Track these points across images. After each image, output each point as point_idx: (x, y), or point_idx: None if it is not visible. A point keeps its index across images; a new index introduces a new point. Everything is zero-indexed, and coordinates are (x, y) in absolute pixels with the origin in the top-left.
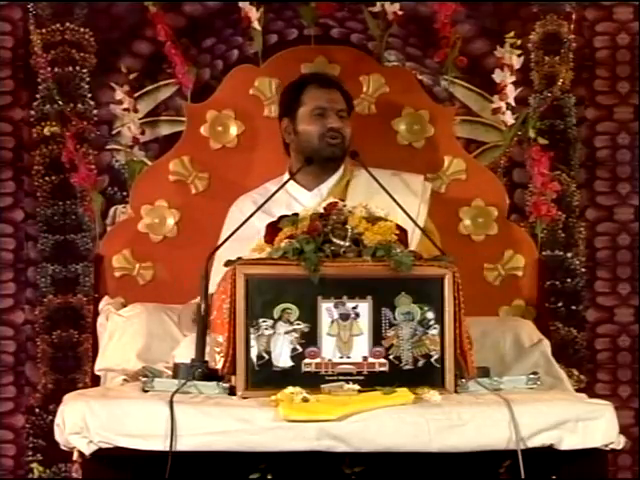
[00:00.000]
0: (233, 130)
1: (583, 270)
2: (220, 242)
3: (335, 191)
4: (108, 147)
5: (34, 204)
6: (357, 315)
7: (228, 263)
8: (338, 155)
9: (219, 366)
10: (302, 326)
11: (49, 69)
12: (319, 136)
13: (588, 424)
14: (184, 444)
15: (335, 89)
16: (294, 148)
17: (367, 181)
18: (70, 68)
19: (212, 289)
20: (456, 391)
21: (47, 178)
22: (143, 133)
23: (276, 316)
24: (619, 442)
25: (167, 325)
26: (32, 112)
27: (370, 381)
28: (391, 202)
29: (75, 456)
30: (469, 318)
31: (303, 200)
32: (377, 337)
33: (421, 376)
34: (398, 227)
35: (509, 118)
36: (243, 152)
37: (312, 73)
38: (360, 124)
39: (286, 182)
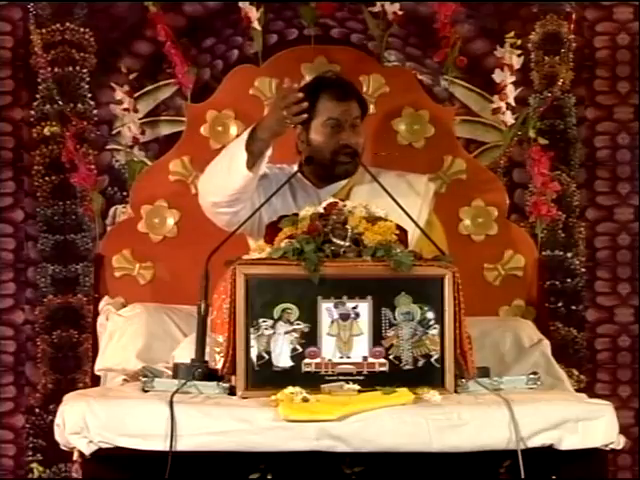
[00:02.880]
0: (233, 130)
1: (583, 270)
2: (220, 243)
3: (341, 193)
4: (108, 147)
5: (34, 204)
6: (357, 315)
7: (228, 263)
8: (352, 172)
9: (219, 366)
10: (302, 326)
11: (49, 69)
12: (332, 152)
13: (588, 424)
14: (184, 444)
15: (351, 99)
16: (305, 156)
17: (371, 182)
18: (70, 68)
19: None
20: (456, 391)
21: (47, 178)
22: (143, 133)
23: (276, 316)
24: (619, 442)
25: (167, 325)
26: (32, 112)
27: (370, 381)
28: (393, 203)
29: (75, 456)
30: (469, 318)
31: (312, 193)
32: (377, 337)
33: (421, 376)
34: (398, 227)
35: (509, 118)
36: None
37: (327, 78)
38: None
39: (291, 177)
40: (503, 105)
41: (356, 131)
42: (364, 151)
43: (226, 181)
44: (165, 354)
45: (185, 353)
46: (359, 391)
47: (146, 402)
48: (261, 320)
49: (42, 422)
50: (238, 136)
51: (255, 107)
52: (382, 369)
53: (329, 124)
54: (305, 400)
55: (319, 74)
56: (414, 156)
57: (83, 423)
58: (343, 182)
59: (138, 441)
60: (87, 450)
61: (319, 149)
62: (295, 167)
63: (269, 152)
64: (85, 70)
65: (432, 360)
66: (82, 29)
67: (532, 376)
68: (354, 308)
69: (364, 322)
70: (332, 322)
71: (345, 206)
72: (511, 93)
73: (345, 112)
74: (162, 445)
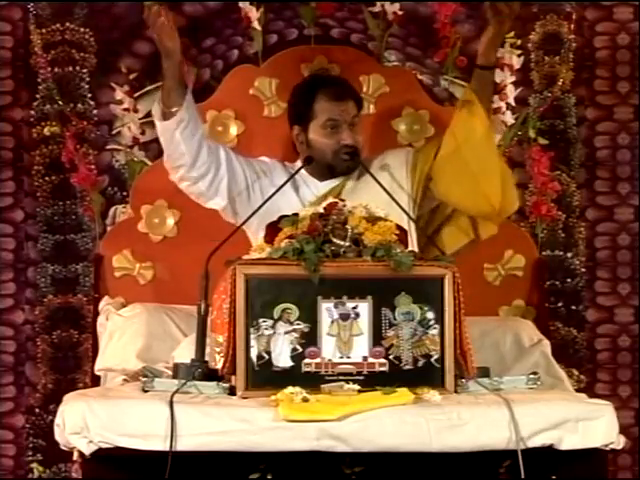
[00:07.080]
0: (233, 130)
1: (583, 270)
2: (220, 243)
3: (336, 189)
4: (108, 147)
5: (34, 204)
6: (357, 315)
7: (228, 263)
8: (353, 170)
9: (219, 366)
10: (302, 326)
11: (49, 69)
12: (333, 152)
13: (588, 424)
14: (184, 444)
15: (348, 98)
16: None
17: (358, 177)
18: (70, 68)
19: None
20: (456, 391)
21: (47, 178)
22: (143, 133)
23: (276, 316)
24: (619, 442)
25: (167, 325)
26: (32, 112)
27: (370, 381)
28: (380, 197)
29: (75, 456)
30: (469, 318)
31: (314, 188)
32: (377, 337)
33: (421, 376)
34: (398, 227)
35: (509, 118)
36: (243, 152)
37: (322, 78)
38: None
39: (295, 174)
40: (503, 105)
41: (355, 130)
42: (364, 149)
43: (166, 149)
44: (165, 354)
45: (185, 353)
46: (359, 391)
47: (146, 402)
48: (261, 320)
49: (42, 422)
50: (238, 136)
51: (255, 107)
52: (382, 369)
53: (329, 125)
54: (305, 400)
55: (312, 73)
56: None
57: (83, 423)
58: (342, 179)
59: (138, 441)
60: (87, 450)
61: (320, 150)
62: (299, 163)
63: (189, 98)
64: (85, 70)
65: (432, 360)
66: (82, 29)
67: (532, 376)
68: (354, 308)
69: (364, 322)
70: (332, 322)
71: (345, 206)
72: (511, 93)
73: (343, 112)
74: (162, 445)
